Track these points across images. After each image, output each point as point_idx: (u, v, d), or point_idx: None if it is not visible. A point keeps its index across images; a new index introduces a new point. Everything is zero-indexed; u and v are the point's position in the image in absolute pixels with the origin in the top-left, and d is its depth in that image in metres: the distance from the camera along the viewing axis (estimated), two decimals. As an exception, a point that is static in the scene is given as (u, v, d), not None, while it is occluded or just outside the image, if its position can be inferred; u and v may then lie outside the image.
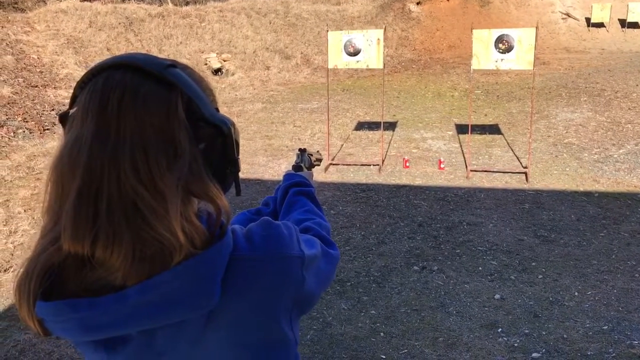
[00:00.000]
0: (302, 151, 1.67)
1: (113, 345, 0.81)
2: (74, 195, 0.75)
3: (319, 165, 1.75)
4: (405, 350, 3.47)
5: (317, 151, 1.80)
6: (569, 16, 19.18)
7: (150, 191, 0.75)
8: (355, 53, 6.56)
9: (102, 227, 0.74)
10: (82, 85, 0.82)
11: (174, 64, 0.84)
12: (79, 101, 0.81)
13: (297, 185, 1.36)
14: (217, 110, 0.88)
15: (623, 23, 18.41)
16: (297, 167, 1.59)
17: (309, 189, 1.35)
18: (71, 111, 0.82)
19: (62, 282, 0.78)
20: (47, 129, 8.18)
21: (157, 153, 0.77)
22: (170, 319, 0.78)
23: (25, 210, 5.55)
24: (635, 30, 18.13)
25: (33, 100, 8.85)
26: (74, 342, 0.85)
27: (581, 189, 6.10)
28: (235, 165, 0.87)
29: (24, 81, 9.27)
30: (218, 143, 0.84)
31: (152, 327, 0.79)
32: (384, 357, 3.41)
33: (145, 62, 0.81)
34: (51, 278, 0.78)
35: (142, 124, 0.77)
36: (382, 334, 3.64)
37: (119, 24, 12.46)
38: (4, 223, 5.24)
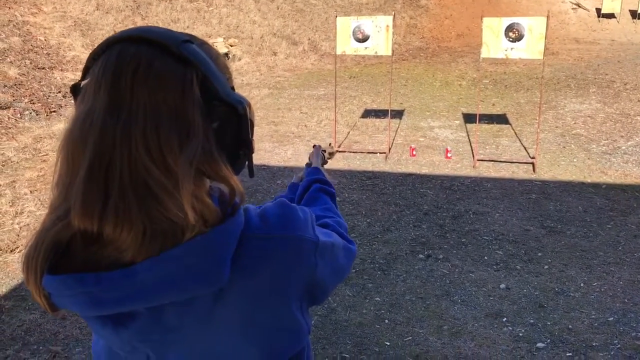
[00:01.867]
0: (317, 148, 1.64)
1: (121, 321, 0.80)
2: (84, 171, 0.74)
3: (331, 159, 1.73)
4: (410, 338, 3.47)
5: (330, 144, 1.78)
6: (579, 6, 18.99)
7: (161, 169, 0.74)
8: (364, 39, 6.51)
9: (112, 205, 0.73)
10: (96, 56, 0.80)
11: (190, 40, 0.82)
12: (92, 72, 0.79)
13: (321, 182, 1.35)
14: (233, 89, 0.86)
15: (634, 14, 18.20)
16: (310, 165, 1.57)
17: (331, 189, 1.34)
18: (83, 83, 0.80)
19: (69, 257, 0.77)
20: (54, 111, 8.17)
21: (169, 131, 0.75)
22: (179, 296, 0.77)
23: (31, 192, 5.56)
24: (646, 21, 17.93)
25: (40, 82, 8.83)
26: (82, 317, 0.84)
27: (589, 180, 6.06)
28: (248, 147, 0.85)
29: (30, 63, 9.25)
30: (232, 123, 0.82)
31: (160, 303, 0.78)
32: (388, 343, 3.41)
33: (162, 35, 0.79)
34: (59, 253, 0.76)
35: (155, 101, 0.75)
36: (386, 321, 3.64)
37: (127, 7, 12.41)
38: (11, 204, 5.25)
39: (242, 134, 0.83)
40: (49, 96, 8.55)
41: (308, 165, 1.59)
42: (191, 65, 0.79)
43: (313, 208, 1.23)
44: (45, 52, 9.86)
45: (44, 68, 9.29)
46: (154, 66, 0.77)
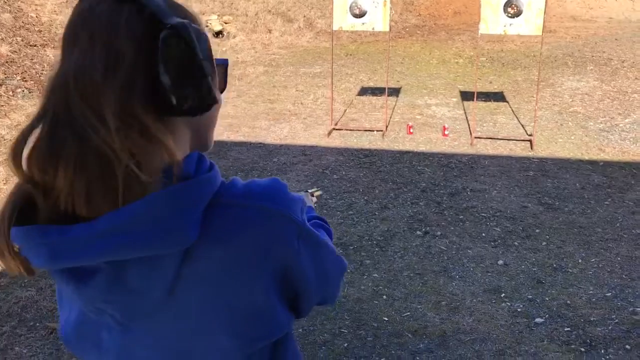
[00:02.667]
0: (305, 194, 1.56)
1: (82, 278, 0.77)
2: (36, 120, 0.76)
3: (317, 202, 1.65)
4: (408, 313, 3.46)
5: (316, 189, 1.72)
6: (576, -16, 18.82)
7: (91, 112, 0.72)
8: (361, 15, 6.42)
9: (63, 157, 0.72)
10: None
11: None
12: None
13: (321, 220, 1.27)
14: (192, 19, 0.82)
15: (631, -8, 18.08)
16: None
17: (330, 229, 1.26)
18: None
19: (37, 213, 0.76)
20: (47, 89, 8.08)
21: (105, 82, 0.73)
22: (139, 252, 0.73)
23: (25, 169, 5.51)
24: (644, -1, 17.80)
25: (32, 59, 8.71)
26: (52, 277, 0.84)
27: (586, 157, 6.05)
28: (201, 69, 0.76)
29: (22, 40, 9.11)
30: (180, 47, 0.75)
31: (121, 258, 0.74)
32: (386, 319, 3.41)
33: None
34: (26, 207, 0.76)
35: (93, 43, 0.75)
36: (384, 296, 3.64)
37: (119, -17, 12.22)
38: (4, 182, 5.21)
39: (195, 56, 0.75)
40: (42, 74, 8.43)
41: None
42: (130, 2, 0.77)
43: None
44: (37, 29, 9.71)
45: (35, 45, 9.15)
46: (96, 10, 0.76)
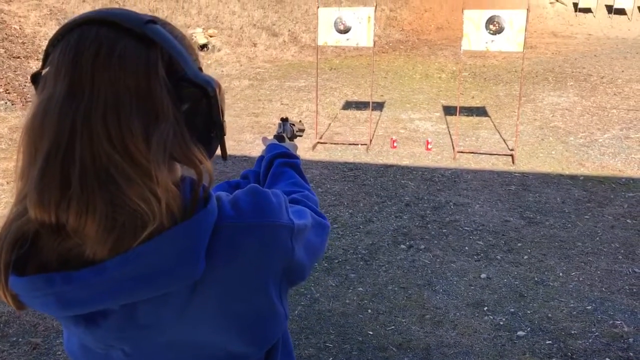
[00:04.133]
0: (284, 120, 1.60)
1: (94, 320, 0.78)
2: (42, 158, 0.71)
3: (301, 135, 1.68)
4: (393, 327, 3.49)
5: (299, 121, 1.75)
6: (557, 1, 19.19)
7: (123, 156, 0.71)
8: (346, 31, 6.50)
9: (75, 194, 0.70)
10: (55, 42, 0.77)
11: (153, 20, 0.79)
12: (52, 60, 0.76)
13: (282, 157, 1.30)
14: (201, 70, 0.83)
15: (610, 9, 18.47)
16: (279, 137, 1.52)
17: (294, 160, 1.30)
18: (43, 71, 0.77)
19: (36, 252, 0.74)
20: (30, 101, 8.02)
21: (132, 116, 0.72)
22: (152, 292, 0.75)
23: (7, 183, 5.46)
24: (622, 16, 18.21)
25: (15, 71, 8.66)
26: (56, 317, 0.83)
27: (567, 172, 6.15)
28: (220, 129, 0.84)
29: (5, 52, 9.06)
30: (202, 105, 0.80)
31: (133, 300, 0.76)
32: (371, 333, 3.43)
33: (123, 17, 0.76)
34: (24, 247, 0.74)
35: (116, 84, 0.73)
36: (369, 310, 3.66)
37: (104, -5, 12.20)
38: (-13, 195, 5.16)
39: (213, 115, 0.81)
40: (25, 86, 8.38)
41: (277, 137, 1.55)
42: (155, 47, 0.76)
43: (279, 184, 1.21)
44: (20, 41, 9.67)
45: (19, 57, 9.11)
46: (116, 49, 0.74)
